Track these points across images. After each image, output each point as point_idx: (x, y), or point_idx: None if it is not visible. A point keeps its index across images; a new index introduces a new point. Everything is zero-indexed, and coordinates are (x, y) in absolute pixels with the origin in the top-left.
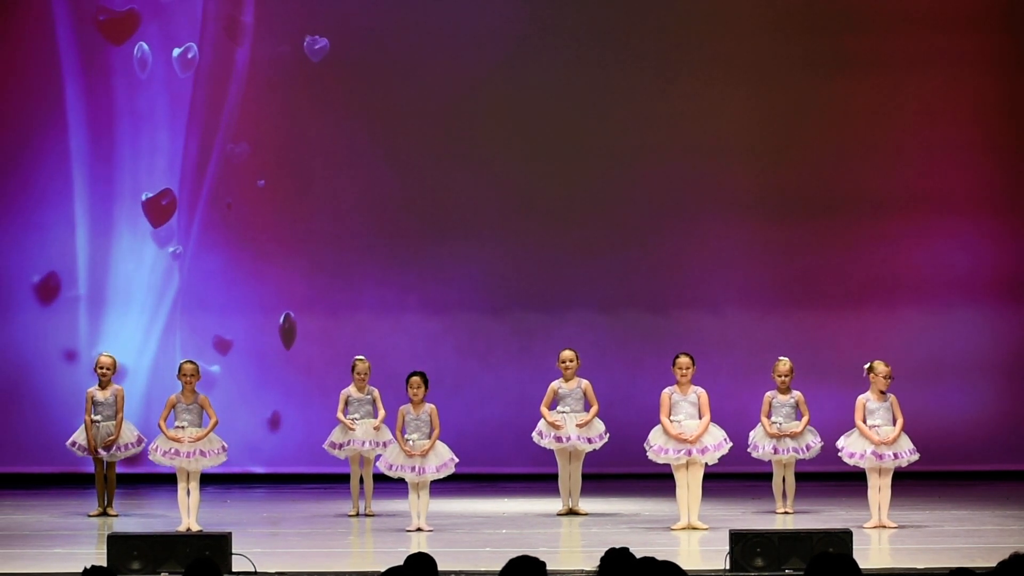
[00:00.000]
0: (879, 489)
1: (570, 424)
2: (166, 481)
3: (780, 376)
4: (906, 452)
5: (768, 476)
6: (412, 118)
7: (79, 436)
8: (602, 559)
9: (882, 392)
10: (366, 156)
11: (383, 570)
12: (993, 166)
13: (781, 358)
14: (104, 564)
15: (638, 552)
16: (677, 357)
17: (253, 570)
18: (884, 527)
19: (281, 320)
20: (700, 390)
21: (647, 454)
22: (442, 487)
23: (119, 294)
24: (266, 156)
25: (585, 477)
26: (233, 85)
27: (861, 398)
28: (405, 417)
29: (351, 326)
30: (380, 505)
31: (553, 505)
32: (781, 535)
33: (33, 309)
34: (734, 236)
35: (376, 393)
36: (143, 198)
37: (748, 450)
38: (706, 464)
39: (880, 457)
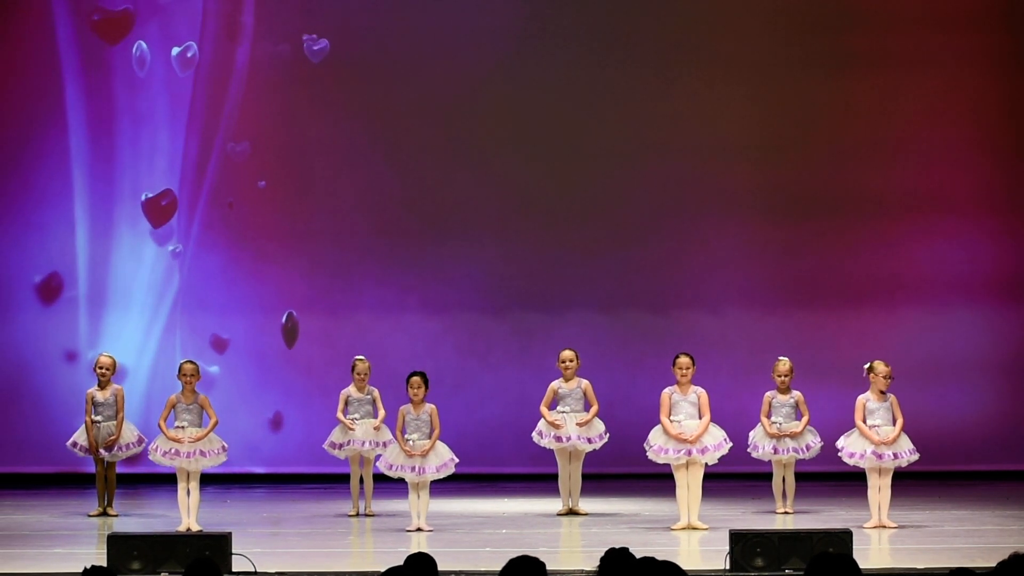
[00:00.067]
0: (879, 489)
1: (570, 424)
2: (166, 481)
3: (780, 376)
4: (906, 452)
5: (768, 476)
6: (412, 118)
7: (80, 436)
8: (602, 559)
9: (882, 392)
10: (366, 156)
11: (383, 570)
12: (993, 166)
13: (781, 358)
14: (104, 564)
15: (638, 552)
16: (677, 357)
17: (253, 570)
18: (884, 527)
19: (284, 319)
20: (700, 390)
21: (647, 454)
22: (442, 487)
23: (119, 294)
24: (266, 156)
25: (585, 477)
26: (233, 85)
27: (861, 398)
28: (405, 417)
29: (351, 326)
30: (380, 505)
31: (553, 505)
32: (781, 535)
33: (33, 309)
34: (734, 236)
35: (376, 393)
36: (143, 198)
37: (748, 450)
38: (706, 464)
39: (880, 457)
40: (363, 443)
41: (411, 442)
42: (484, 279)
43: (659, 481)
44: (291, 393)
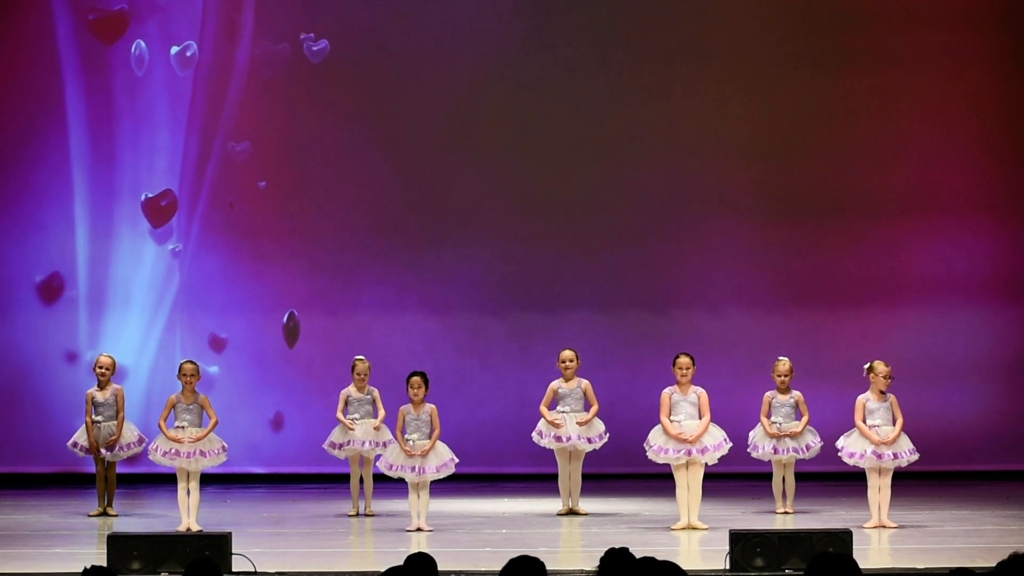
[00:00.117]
0: (879, 489)
1: (570, 423)
2: (166, 481)
3: (780, 376)
4: (906, 452)
5: (768, 476)
6: (412, 118)
7: (80, 437)
8: (602, 559)
9: (882, 392)
10: (366, 156)
11: (383, 570)
12: (993, 166)
13: (781, 358)
14: (104, 564)
15: (638, 552)
16: (677, 357)
17: (253, 570)
18: (884, 527)
19: (285, 319)
20: (700, 390)
21: (647, 454)
22: (442, 487)
23: (119, 294)
24: (266, 156)
25: (585, 477)
26: (233, 84)
27: (861, 398)
28: (405, 417)
29: (351, 326)
30: (380, 505)
31: (553, 505)
32: (781, 535)
33: (33, 309)
34: (734, 236)
35: (376, 393)
36: (143, 198)
37: (748, 450)
38: (706, 464)
39: (880, 457)
40: (363, 443)
41: (411, 442)
42: (484, 279)
43: (659, 481)
44: (291, 393)
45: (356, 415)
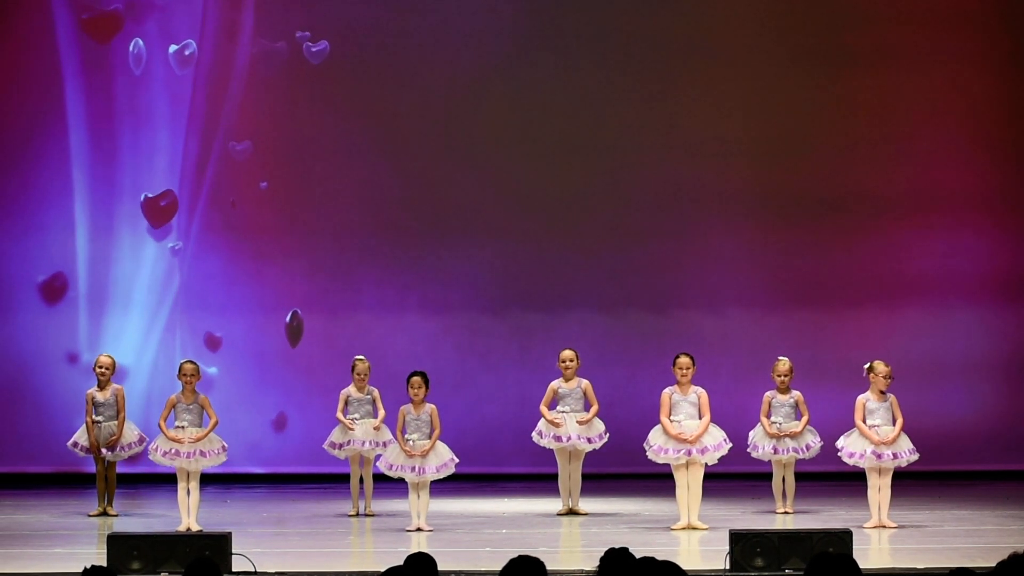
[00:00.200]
0: (879, 489)
1: (570, 423)
2: (166, 481)
3: (780, 376)
4: (906, 452)
5: (768, 476)
6: (412, 118)
7: (80, 436)
8: (602, 559)
9: (882, 392)
10: (366, 156)
11: (383, 570)
12: (993, 166)
13: (781, 358)
14: (104, 564)
15: (638, 552)
16: (677, 357)
17: (253, 570)
18: (884, 527)
19: (288, 318)
20: (700, 390)
21: (647, 454)
22: (442, 487)
23: (119, 294)
24: (266, 156)
25: (585, 477)
26: (233, 84)
27: (861, 398)
28: (406, 417)
29: (351, 326)
30: (380, 505)
31: (553, 505)
32: (781, 535)
33: (32, 309)
34: (734, 236)
35: (376, 393)
36: (142, 198)
37: (748, 450)
38: (706, 464)
39: (879, 457)
40: (363, 443)
41: (411, 442)
42: (484, 279)
43: (659, 481)
44: (291, 393)
45: (356, 415)
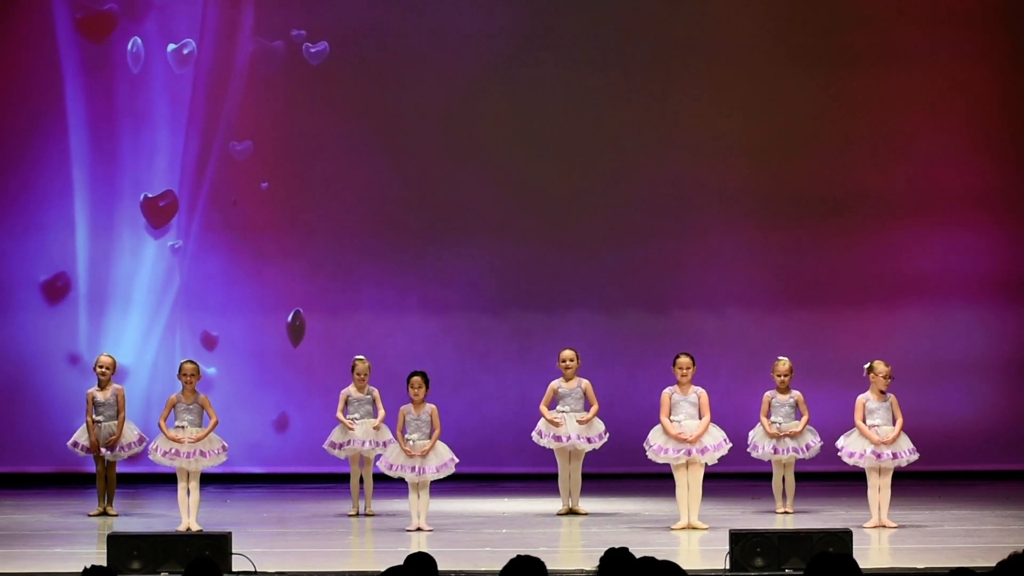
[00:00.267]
0: (879, 489)
1: (570, 422)
2: (166, 481)
3: (780, 376)
4: (905, 452)
5: (768, 476)
6: (412, 118)
7: (80, 436)
8: (602, 559)
9: (882, 392)
10: (366, 156)
11: (383, 570)
12: (993, 166)
13: (781, 358)
14: (104, 564)
15: (638, 552)
16: (677, 357)
17: (253, 570)
18: (884, 527)
19: (291, 317)
20: (700, 390)
21: (647, 454)
22: (442, 487)
23: (119, 294)
24: (266, 156)
25: (585, 477)
26: (233, 84)
27: (861, 398)
28: (406, 417)
29: (351, 326)
30: (380, 505)
31: (553, 505)
32: (781, 535)
33: (33, 309)
34: (734, 236)
35: (376, 393)
36: (141, 198)
37: (748, 450)
38: (706, 464)
39: (879, 457)
40: (363, 443)
41: (411, 442)
42: (484, 279)
43: (659, 481)
44: (291, 393)
45: (356, 415)
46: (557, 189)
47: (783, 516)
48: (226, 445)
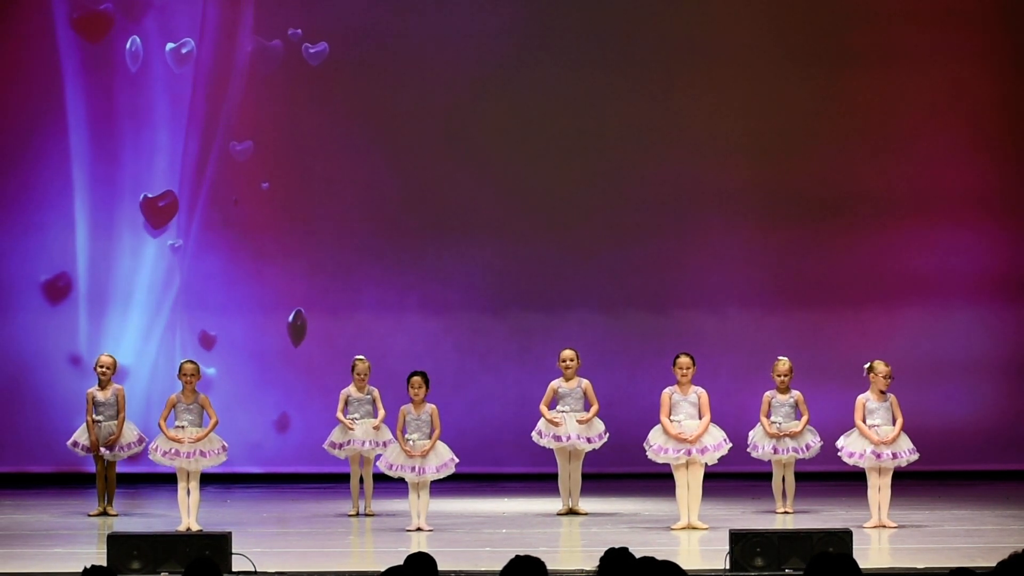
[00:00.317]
0: (879, 489)
1: (570, 422)
2: (166, 481)
3: (779, 376)
4: (905, 452)
5: (768, 476)
6: (412, 118)
7: (80, 436)
8: (602, 559)
9: (882, 392)
10: (366, 156)
11: (383, 570)
12: (993, 166)
13: (780, 358)
14: (104, 564)
15: (638, 552)
16: (677, 357)
17: (253, 570)
18: (884, 527)
19: (292, 317)
20: (700, 390)
21: (647, 454)
22: (442, 487)
23: (119, 294)
24: (266, 156)
25: (585, 477)
26: (233, 84)
27: (861, 398)
28: (406, 417)
29: (351, 326)
30: (380, 505)
31: (553, 505)
32: (781, 535)
33: (33, 309)
34: (734, 236)
35: (376, 393)
36: (141, 198)
37: (748, 450)
38: (706, 464)
39: (879, 456)
40: (363, 443)
41: (411, 442)
42: (484, 279)
43: (659, 481)
44: (291, 393)
45: (356, 415)
46: (557, 189)
47: (783, 516)
48: (226, 445)
